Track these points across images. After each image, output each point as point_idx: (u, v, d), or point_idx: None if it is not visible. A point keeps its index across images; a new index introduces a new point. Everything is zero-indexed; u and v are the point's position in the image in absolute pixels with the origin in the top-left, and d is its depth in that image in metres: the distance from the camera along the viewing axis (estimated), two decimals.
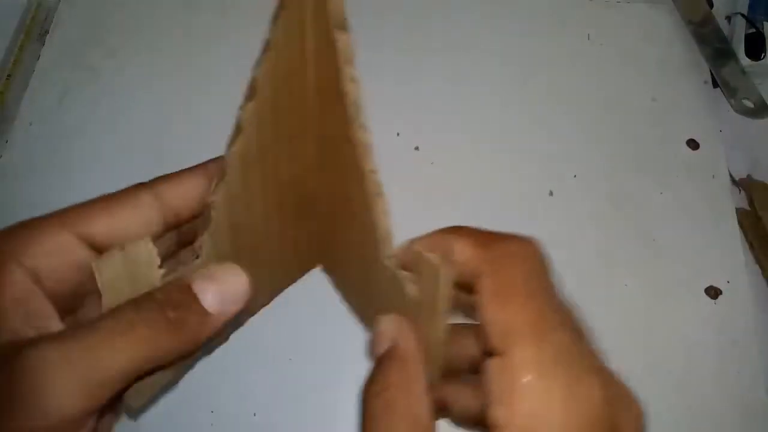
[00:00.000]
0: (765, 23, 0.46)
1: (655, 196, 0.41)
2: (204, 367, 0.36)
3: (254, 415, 0.35)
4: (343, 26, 0.22)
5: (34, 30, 0.47)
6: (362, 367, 0.36)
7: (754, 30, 0.46)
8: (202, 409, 0.35)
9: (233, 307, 0.22)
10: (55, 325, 0.21)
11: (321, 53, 0.24)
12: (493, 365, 0.17)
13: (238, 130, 0.24)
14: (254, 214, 0.27)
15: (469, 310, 0.20)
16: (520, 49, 0.47)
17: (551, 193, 0.41)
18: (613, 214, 0.41)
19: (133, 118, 0.44)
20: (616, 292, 0.38)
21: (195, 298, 0.21)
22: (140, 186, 0.24)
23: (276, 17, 0.22)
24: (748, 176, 0.43)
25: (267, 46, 0.23)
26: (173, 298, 0.20)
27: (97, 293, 0.21)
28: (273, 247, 0.31)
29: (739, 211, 0.41)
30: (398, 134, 0.43)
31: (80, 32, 0.47)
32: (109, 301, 0.21)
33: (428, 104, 0.44)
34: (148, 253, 0.21)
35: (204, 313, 0.21)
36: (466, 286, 0.20)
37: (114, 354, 0.19)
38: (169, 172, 0.42)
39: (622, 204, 0.41)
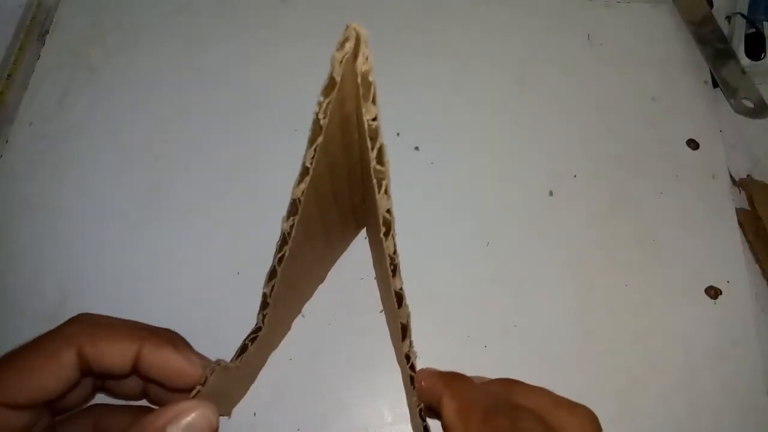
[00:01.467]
0: (765, 23, 0.46)
1: (655, 196, 0.41)
2: None
3: (254, 414, 0.35)
4: (369, 99, 0.23)
5: (34, 30, 0.47)
6: (362, 368, 0.36)
7: (754, 30, 0.46)
8: None
9: None
10: None
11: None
12: None
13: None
14: (331, 184, 0.29)
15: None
16: (520, 49, 0.47)
17: (551, 193, 0.41)
18: (613, 214, 0.41)
19: (132, 118, 0.44)
20: (616, 292, 0.38)
21: None
22: (64, 342, 0.24)
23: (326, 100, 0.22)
24: (748, 176, 0.43)
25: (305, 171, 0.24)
26: None
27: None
28: (338, 214, 0.33)
29: (739, 211, 0.41)
30: (398, 134, 0.43)
31: (80, 32, 0.47)
32: (205, 392, 0.25)
33: (428, 104, 0.44)
34: (223, 372, 0.26)
35: None
36: (434, 409, 0.24)
37: None
38: (167, 171, 0.42)
39: (622, 204, 0.41)
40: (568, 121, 0.44)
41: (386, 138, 0.25)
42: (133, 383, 0.27)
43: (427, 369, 0.27)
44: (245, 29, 0.47)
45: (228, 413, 0.34)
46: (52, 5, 0.48)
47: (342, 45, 0.20)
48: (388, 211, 0.24)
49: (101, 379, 0.26)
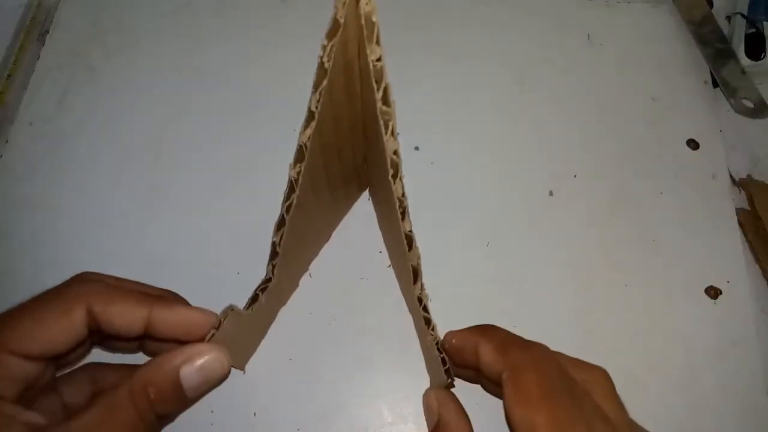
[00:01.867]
0: (765, 23, 0.46)
1: (655, 196, 0.41)
2: None
3: (254, 414, 0.35)
4: (387, 101, 0.23)
5: (34, 30, 0.47)
6: (362, 368, 0.36)
7: (754, 30, 0.46)
8: (202, 409, 0.35)
9: (210, 387, 0.24)
10: (30, 416, 0.23)
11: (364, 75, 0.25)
12: None
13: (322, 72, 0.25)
14: (335, 135, 0.29)
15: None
16: (520, 49, 0.47)
17: (551, 193, 0.41)
18: (613, 214, 0.41)
19: (132, 118, 0.44)
20: (616, 292, 0.38)
21: (180, 388, 0.23)
22: (76, 299, 0.24)
23: (329, 40, 0.23)
24: (748, 176, 0.43)
25: (322, 73, 0.24)
26: (163, 391, 0.23)
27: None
28: (341, 168, 0.33)
29: (739, 211, 0.41)
30: (398, 134, 0.42)
31: (80, 33, 0.47)
32: (218, 336, 0.25)
33: (428, 104, 0.44)
34: (235, 317, 0.26)
35: (185, 398, 0.24)
36: (494, 380, 0.23)
37: None
38: (167, 171, 0.42)
39: (622, 204, 0.41)
40: (568, 121, 0.44)
41: None
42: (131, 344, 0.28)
43: (451, 331, 0.26)
44: (245, 29, 0.47)
45: (241, 367, 0.34)
46: (52, 5, 0.48)
47: None
48: (395, 152, 0.24)
49: (108, 339, 0.26)
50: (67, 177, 0.42)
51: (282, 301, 0.36)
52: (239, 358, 0.34)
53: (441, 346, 0.27)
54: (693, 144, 0.43)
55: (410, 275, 0.27)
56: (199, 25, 0.48)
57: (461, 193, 0.41)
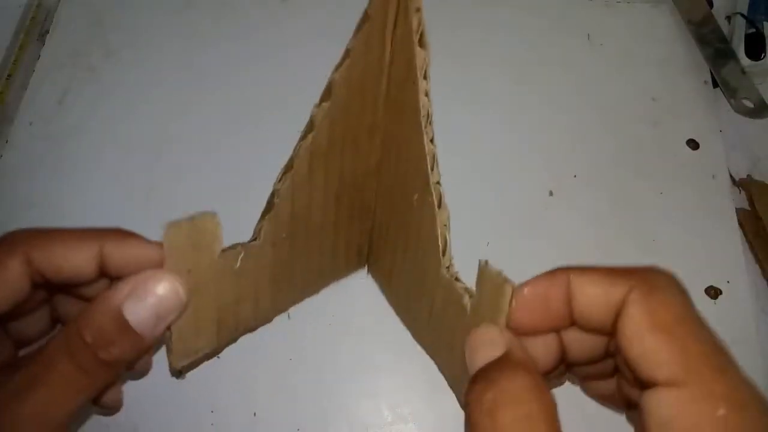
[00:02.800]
0: (765, 23, 0.46)
1: (655, 196, 0.41)
2: (204, 366, 0.36)
3: (254, 414, 0.35)
4: (423, 43, 0.23)
5: (34, 30, 0.47)
6: (362, 368, 0.36)
7: (754, 30, 0.46)
8: (202, 409, 0.35)
9: (166, 323, 0.21)
10: None
11: (397, 66, 0.25)
12: (667, 397, 0.16)
13: (310, 126, 0.25)
14: (314, 206, 0.28)
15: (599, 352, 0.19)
16: (520, 48, 0.47)
17: (551, 193, 0.41)
18: (612, 214, 0.41)
19: (132, 118, 0.44)
20: None
21: (126, 327, 0.20)
22: (9, 250, 0.21)
23: (359, 28, 0.23)
24: (748, 176, 0.43)
25: (347, 53, 0.24)
26: (104, 333, 0.20)
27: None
28: (326, 240, 0.32)
29: (739, 211, 0.41)
30: None
31: (80, 32, 0.47)
32: (171, 264, 0.21)
33: None
34: (214, 225, 0.23)
35: (136, 336, 0.20)
36: (594, 328, 0.19)
37: (57, 409, 0.19)
38: (167, 171, 0.42)
39: (622, 204, 0.41)
40: (568, 121, 0.44)
41: None
42: (93, 290, 0.24)
43: (519, 285, 0.21)
44: (245, 29, 0.47)
45: (176, 364, 0.27)
46: (52, 5, 0.48)
47: None
48: (426, 93, 0.24)
49: (60, 290, 0.23)
50: (67, 177, 0.42)
51: (253, 317, 0.33)
52: (182, 333, 0.28)
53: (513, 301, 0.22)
54: (693, 144, 0.43)
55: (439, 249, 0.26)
56: (199, 25, 0.48)
57: (460, 193, 0.41)
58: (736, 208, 0.41)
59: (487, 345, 0.20)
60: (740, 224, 0.40)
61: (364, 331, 0.37)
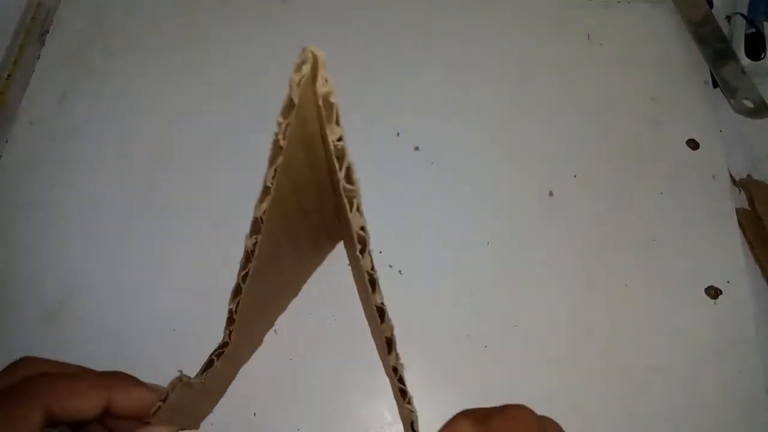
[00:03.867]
0: (765, 23, 0.46)
1: (655, 196, 0.41)
2: None
3: (254, 414, 0.35)
4: (333, 120, 0.23)
5: (34, 30, 0.47)
6: (362, 368, 0.36)
7: (754, 30, 0.46)
8: None
9: None
10: None
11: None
12: None
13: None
14: (298, 204, 0.29)
15: None
16: (520, 48, 0.47)
17: (551, 194, 0.41)
18: (612, 214, 0.41)
19: (132, 118, 0.44)
20: (616, 292, 0.38)
21: None
22: (31, 403, 0.23)
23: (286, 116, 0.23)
24: (748, 176, 0.43)
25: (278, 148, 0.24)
26: None
27: None
28: (307, 231, 0.33)
29: (739, 211, 0.41)
30: (398, 134, 0.43)
31: (80, 33, 0.47)
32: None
33: (428, 104, 0.44)
34: (184, 389, 0.26)
35: None
36: None
37: None
38: (167, 171, 0.42)
39: (622, 204, 0.41)
40: (568, 120, 0.44)
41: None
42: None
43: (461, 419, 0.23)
44: (245, 30, 0.47)
45: (195, 427, 0.34)
46: (52, 5, 0.48)
47: (299, 67, 0.21)
48: (362, 228, 0.24)
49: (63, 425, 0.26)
50: (67, 177, 0.42)
51: (243, 359, 0.36)
52: (193, 420, 0.33)
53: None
54: (693, 144, 0.43)
55: (384, 347, 0.27)
56: (199, 26, 0.48)
57: (461, 193, 0.41)
58: (736, 208, 0.41)
59: None
60: (740, 224, 0.40)
61: (363, 331, 0.37)
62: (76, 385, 0.25)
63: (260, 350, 0.36)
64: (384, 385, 0.36)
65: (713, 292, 0.38)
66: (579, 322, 0.37)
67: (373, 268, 0.25)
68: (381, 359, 0.35)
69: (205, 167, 0.42)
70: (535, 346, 0.37)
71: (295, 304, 0.38)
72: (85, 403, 0.24)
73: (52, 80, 0.45)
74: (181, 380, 0.26)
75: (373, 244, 0.39)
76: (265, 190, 0.24)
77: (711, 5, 0.48)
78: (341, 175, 0.23)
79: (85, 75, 0.46)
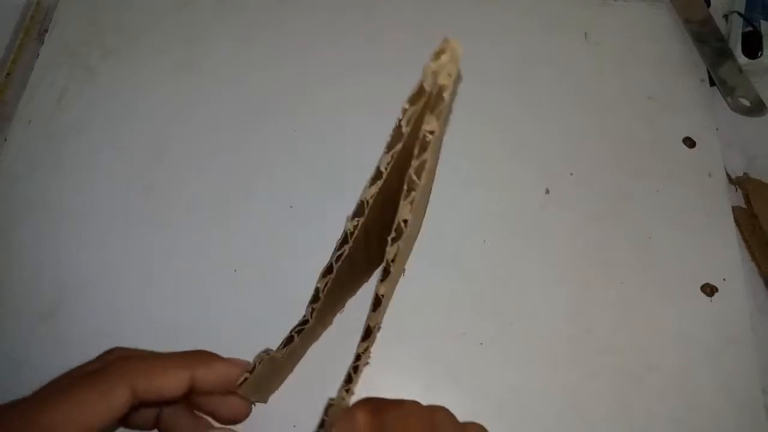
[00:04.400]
0: (762, 22, 0.46)
1: (652, 194, 0.41)
2: None
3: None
4: (434, 112, 0.22)
5: (33, 29, 0.47)
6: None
7: (751, 28, 0.46)
8: None
9: None
10: None
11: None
12: None
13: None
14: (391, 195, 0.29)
15: None
16: (517, 47, 0.47)
17: (547, 191, 0.41)
18: (609, 212, 0.41)
19: (131, 117, 0.44)
20: (612, 290, 0.38)
21: None
22: (118, 379, 0.25)
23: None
24: (745, 174, 0.43)
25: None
26: None
27: None
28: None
29: (736, 209, 0.41)
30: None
31: (79, 32, 0.47)
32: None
33: None
34: (270, 362, 0.28)
35: None
36: None
37: None
38: (166, 170, 0.42)
39: (619, 202, 0.41)
40: (564, 119, 0.44)
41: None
42: (148, 413, 0.29)
43: (361, 405, 0.25)
44: (244, 29, 0.48)
45: (264, 400, 0.34)
46: (51, 4, 0.49)
47: (437, 56, 0.20)
48: (405, 222, 0.24)
49: (152, 406, 0.28)
50: (66, 176, 0.42)
51: (315, 338, 0.37)
52: (265, 393, 0.34)
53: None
54: (689, 142, 0.43)
55: (363, 331, 0.27)
56: (199, 25, 0.48)
57: (458, 191, 0.41)
58: (732, 206, 0.41)
59: None
60: (736, 222, 0.41)
61: (361, 329, 0.37)
62: (160, 364, 0.26)
63: (258, 348, 0.36)
64: (382, 383, 0.36)
65: (709, 290, 0.38)
66: (575, 320, 0.38)
67: (394, 260, 0.25)
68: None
69: (203, 166, 0.42)
70: (530, 344, 0.37)
71: (294, 302, 0.38)
72: (169, 381, 0.26)
73: (51, 79, 0.45)
74: (267, 354, 0.27)
75: None
76: (377, 175, 0.24)
77: (708, 4, 0.48)
78: (414, 163, 0.22)
79: (83, 74, 0.46)
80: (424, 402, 0.25)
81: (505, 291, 0.38)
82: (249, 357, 0.36)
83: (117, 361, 0.26)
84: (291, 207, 0.40)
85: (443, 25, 0.47)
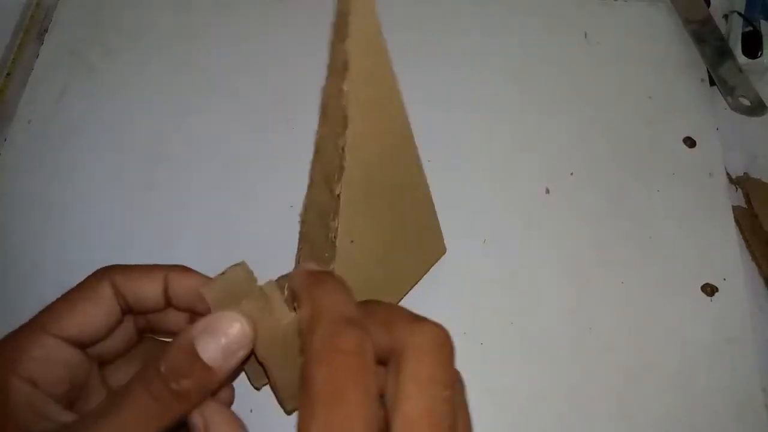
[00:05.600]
0: (762, 21, 0.46)
1: (652, 193, 0.41)
2: None
3: (251, 411, 0.35)
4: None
5: (33, 29, 0.47)
6: None
7: (751, 28, 0.46)
8: None
9: (236, 358, 0.23)
10: (65, 416, 0.23)
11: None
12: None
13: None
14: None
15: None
16: (517, 47, 0.47)
17: (548, 191, 0.41)
18: (609, 212, 0.41)
19: (131, 117, 0.44)
20: (612, 290, 0.38)
21: (198, 360, 0.22)
22: (99, 277, 0.26)
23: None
24: (745, 174, 0.43)
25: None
26: (177, 366, 0.21)
27: (94, 385, 0.26)
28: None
29: (736, 209, 0.41)
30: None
31: (79, 31, 0.47)
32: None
33: (425, 103, 0.44)
34: (245, 273, 0.25)
35: (207, 370, 0.22)
36: (382, 362, 0.21)
37: None
38: (166, 170, 0.42)
39: (619, 202, 0.41)
40: (564, 119, 0.44)
41: None
42: (174, 318, 0.28)
43: (302, 269, 0.25)
44: (245, 28, 0.48)
45: (257, 385, 0.32)
46: (51, 4, 0.49)
47: None
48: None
49: (141, 314, 0.27)
50: (66, 175, 0.42)
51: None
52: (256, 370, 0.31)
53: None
54: (690, 142, 0.43)
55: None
56: (199, 25, 0.48)
57: (458, 191, 0.41)
58: (732, 206, 0.41)
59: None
60: (737, 222, 0.41)
61: None
62: (136, 266, 0.27)
63: None
64: None
65: (709, 290, 0.38)
66: (575, 319, 0.38)
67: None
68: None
69: (203, 166, 0.42)
70: (530, 343, 0.37)
71: None
72: (147, 283, 0.26)
73: (51, 79, 0.45)
74: (240, 265, 0.26)
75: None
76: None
77: (708, 4, 0.48)
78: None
79: (83, 73, 0.46)
80: None
81: (505, 291, 0.38)
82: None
83: (100, 268, 0.26)
84: (291, 207, 0.40)
85: (443, 24, 0.48)
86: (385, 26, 0.50)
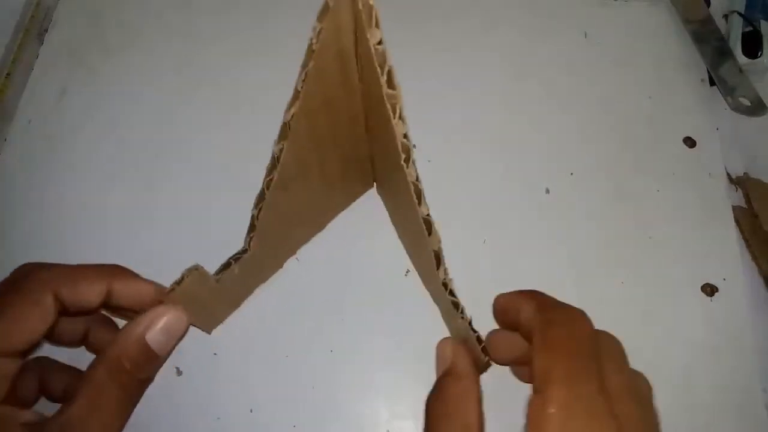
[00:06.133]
0: (762, 21, 0.46)
1: (652, 193, 0.41)
2: (201, 364, 0.36)
3: (251, 411, 0.35)
4: (392, 85, 0.23)
5: (33, 29, 0.47)
6: (357, 364, 0.36)
7: (751, 28, 0.46)
8: (202, 407, 0.35)
9: (176, 342, 0.27)
10: (26, 416, 0.24)
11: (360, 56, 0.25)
12: (532, 399, 0.22)
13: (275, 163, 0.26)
14: (329, 125, 0.29)
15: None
16: (517, 47, 0.47)
17: (548, 191, 0.41)
18: (609, 212, 0.41)
19: (131, 116, 0.44)
20: (612, 290, 0.38)
21: (150, 351, 0.26)
22: (42, 287, 0.25)
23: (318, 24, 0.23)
24: (745, 174, 0.43)
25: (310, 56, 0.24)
26: (138, 359, 0.25)
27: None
28: (338, 160, 0.33)
29: (736, 209, 0.41)
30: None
31: (79, 31, 0.47)
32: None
33: (425, 102, 0.44)
34: (201, 276, 0.28)
35: (157, 357, 0.26)
36: (527, 337, 0.25)
37: (114, 428, 0.24)
38: (166, 169, 0.42)
39: (619, 202, 0.41)
40: (564, 119, 0.44)
41: None
42: (78, 326, 0.29)
43: (500, 293, 0.28)
44: (244, 28, 0.48)
45: (208, 330, 0.35)
46: (51, 4, 0.49)
47: None
48: (405, 136, 0.24)
49: (71, 316, 0.28)
50: (66, 175, 0.42)
51: (262, 278, 0.37)
52: (206, 320, 0.34)
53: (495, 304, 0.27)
54: (690, 142, 0.43)
55: (432, 261, 0.27)
56: (199, 24, 0.48)
57: (458, 191, 0.41)
58: (732, 206, 0.41)
59: (442, 358, 0.28)
60: (737, 222, 0.41)
61: (361, 329, 0.37)
62: (82, 272, 0.27)
63: (257, 348, 0.36)
64: (381, 382, 0.36)
65: (709, 290, 0.38)
66: None
67: (418, 178, 0.25)
68: (426, 283, 0.35)
69: (204, 165, 0.42)
70: None
71: (291, 298, 0.38)
72: (91, 289, 0.26)
73: (51, 79, 0.45)
74: (197, 269, 0.27)
75: (373, 244, 0.40)
76: (295, 95, 0.24)
77: (708, 4, 0.48)
78: (383, 79, 0.22)
79: (83, 73, 0.46)
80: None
81: (505, 291, 0.38)
82: (250, 355, 0.36)
83: (36, 270, 0.26)
84: None
85: (443, 25, 0.47)
86: (385, 26, 0.50)
